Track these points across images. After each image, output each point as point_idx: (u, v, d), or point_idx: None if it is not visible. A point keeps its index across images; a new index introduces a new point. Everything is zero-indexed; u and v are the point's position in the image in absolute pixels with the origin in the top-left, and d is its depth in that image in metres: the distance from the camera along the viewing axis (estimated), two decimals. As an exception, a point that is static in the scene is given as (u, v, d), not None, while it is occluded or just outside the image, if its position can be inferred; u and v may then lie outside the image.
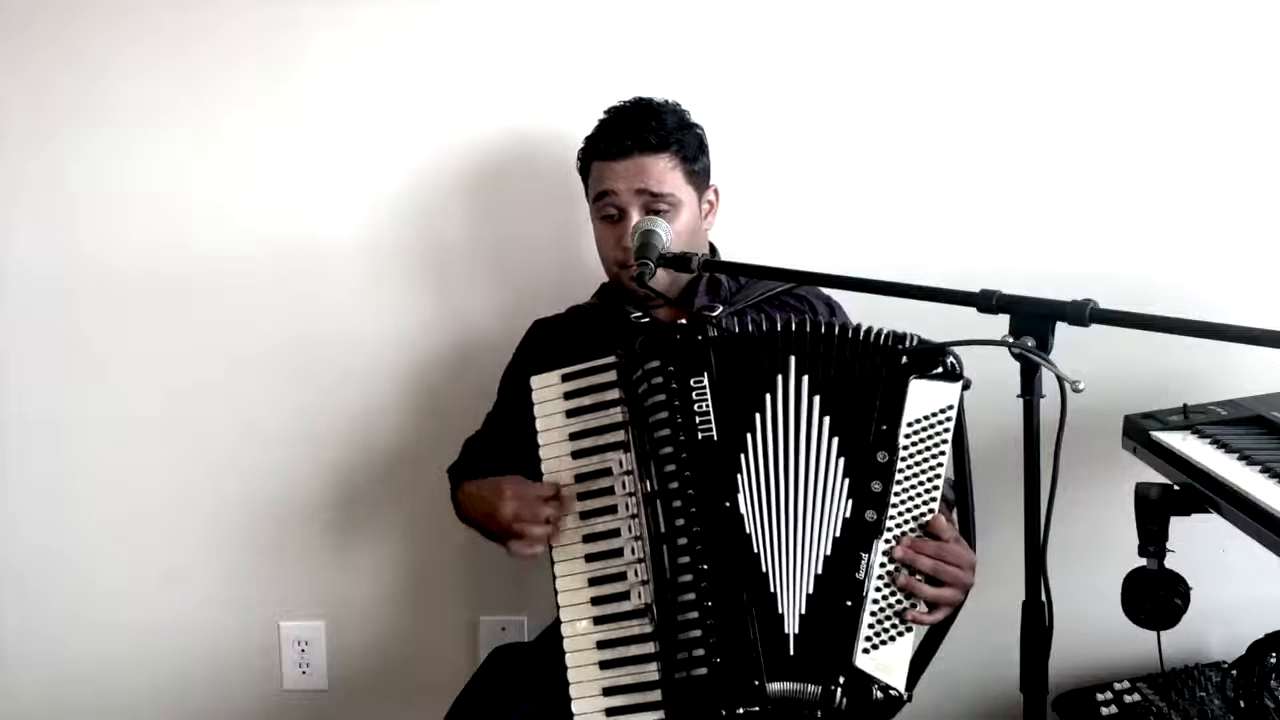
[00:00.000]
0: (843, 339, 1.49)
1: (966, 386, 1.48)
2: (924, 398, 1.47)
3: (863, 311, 1.78)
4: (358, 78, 2.04)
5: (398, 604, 2.18)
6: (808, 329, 1.49)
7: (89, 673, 2.20)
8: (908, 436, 1.47)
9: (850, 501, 1.47)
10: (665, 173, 1.73)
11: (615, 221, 1.74)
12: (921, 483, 1.48)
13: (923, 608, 1.47)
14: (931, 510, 1.48)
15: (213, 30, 2.04)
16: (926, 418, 1.47)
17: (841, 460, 1.47)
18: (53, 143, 2.08)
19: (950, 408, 1.48)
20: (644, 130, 1.73)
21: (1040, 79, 1.99)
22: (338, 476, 2.14)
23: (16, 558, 2.19)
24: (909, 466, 1.47)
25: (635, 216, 1.70)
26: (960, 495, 1.57)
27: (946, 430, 1.48)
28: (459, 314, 2.09)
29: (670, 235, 1.61)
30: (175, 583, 2.18)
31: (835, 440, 1.47)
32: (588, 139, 1.81)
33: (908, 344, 1.48)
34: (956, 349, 1.47)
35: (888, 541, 1.47)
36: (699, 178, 1.78)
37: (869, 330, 1.49)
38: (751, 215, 1.98)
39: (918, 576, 1.47)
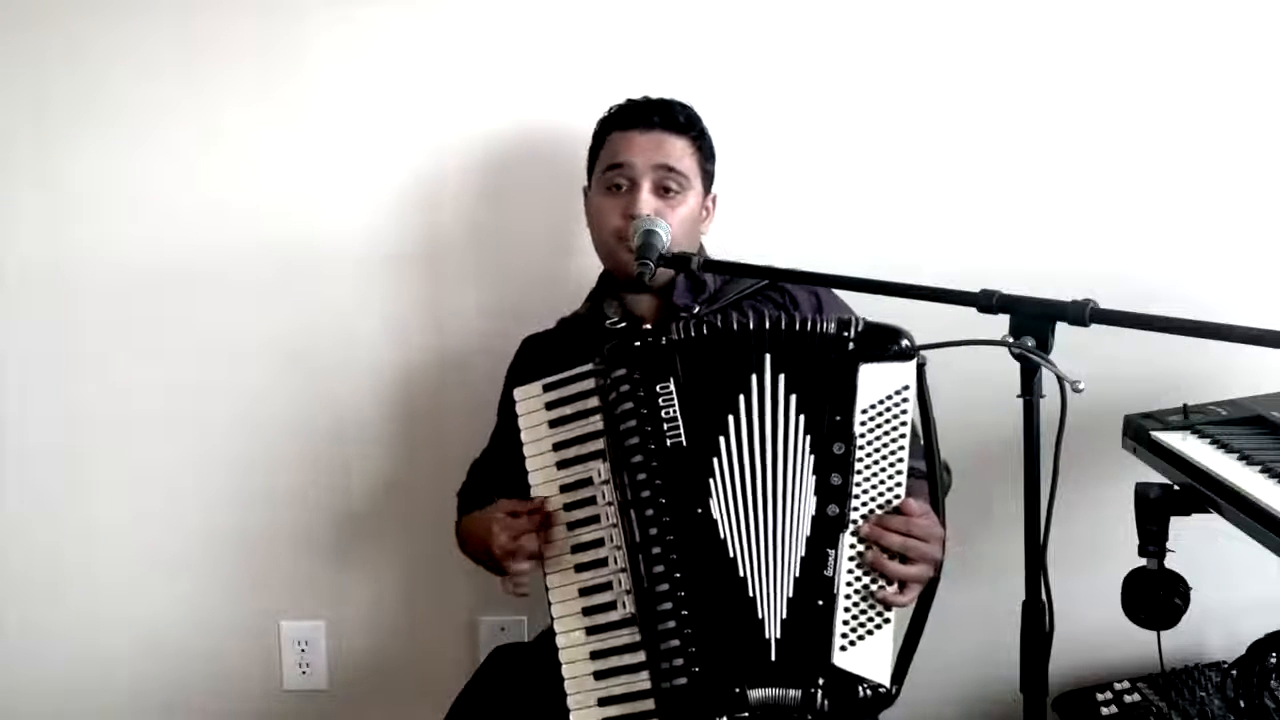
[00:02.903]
0: (806, 333, 1.46)
1: (922, 364, 1.45)
2: (876, 382, 1.44)
3: (863, 312, 1.78)
4: (359, 77, 2.05)
5: (398, 604, 2.18)
6: (781, 325, 1.46)
7: (89, 671, 2.20)
8: (863, 424, 1.44)
9: (815, 498, 1.45)
10: (684, 154, 1.73)
11: (622, 192, 1.72)
12: (884, 469, 1.45)
13: (894, 587, 1.45)
14: (898, 495, 1.46)
15: (215, 29, 2.04)
16: (881, 402, 1.45)
17: (811, 458, 1.45)
18: (55, 142, 2.08)
19: (906, 388, 1.45)
20: (672, 111, 1.75)
21: (1040, 79, 1.99)
22: (339, 476, 2.14)
23: (17, 556, 2.19)
24: (868, 455, 1.45)
25: (645, 191, 1.69)
26: (928, 470, 1.53)
27: (904, 411, 1.45)
28: (462, 313, 2.09)
29: (670, 236, 1.60)
30: (175, 582, 2.18)
31: (808, 438, 1.45)
32: (610, 111, 1.79)
33: (852, 330, 1.45)
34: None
35: (854, 534, 1.45)
36: (707, 176, 1.79)
37: (816, 321, 1.47)
38: (751, 214, 1.98)
39: (886, 555, 1.44)
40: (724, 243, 1.86)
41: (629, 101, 1.79)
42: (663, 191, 1.71)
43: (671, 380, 1.47)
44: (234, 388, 2.12)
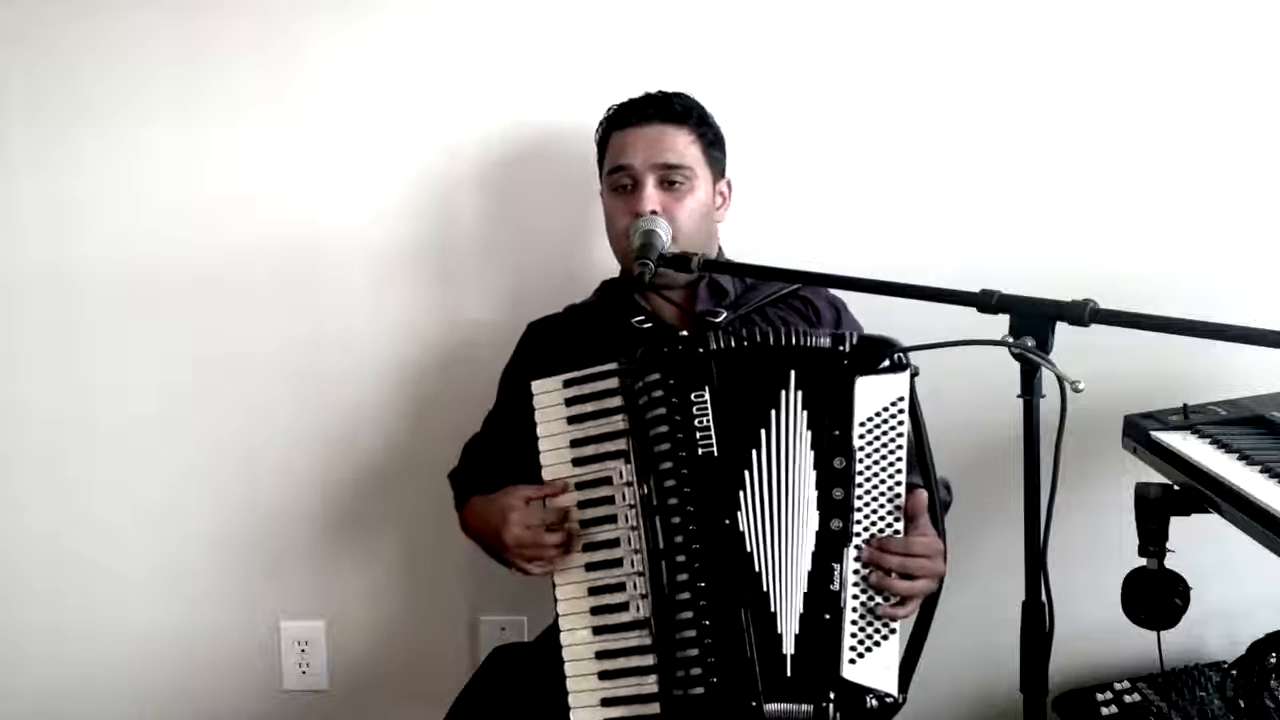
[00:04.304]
0: (825, 349, 1.46)
1: (915, 374, 1.46)
2: (873, 394, 1.45)
3: (863, 312, 1.79)
4: (361, 75, 2.04)
5: (398, 604, 2.18)
6: (807, 341, 1.47)
7: (89, 672, 2.20)
8: (862, 437, 1.45)
9: (818, 513, 1.45)
10: (686, 145, 1.72)
11: (628, 192, 1.72)
12: (883, 480, 1.46)
13: (895, 599, 1.45)
14: (898, 506, 1.46)
15: (217, 28, 2.04)
16: (879, 414, 1.45)
17: (814, 473, 1.45)
18: (54, 143, 2.08)
19: (901, 399, 1.45)
20: (669, 102, 1.74)
21: (1041, 79, 1.99)
22: (339, 476, 2.14)
23: (17, 557, 2.19)
24: (868, 467, 1.45)
25: (649, 188, 1.69)
26: (924, 480, 1.53)
27: (900, 423, 1.45)
28: (462, 313, 2.09)
29: (670, 235, 1.61)
30: (176, 583, 2.18)
31: (812, 454, 1.45)
32: (609, 112, 1.80)
33: (847, 344, 1.46)
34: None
35: (857, 548, 1.45)
36: (715, 163, 1.78)
37: (821, 335, 1.47)
38: (754, 215, 1.97)
39: (891, 575, 1.45)
40: (729, 242, 1.86)
41: (627, 100, 1.78)
42: (668, 185, 1.70)
43: (706, 389, 1.46)
44: (235, 389, 2.12)
